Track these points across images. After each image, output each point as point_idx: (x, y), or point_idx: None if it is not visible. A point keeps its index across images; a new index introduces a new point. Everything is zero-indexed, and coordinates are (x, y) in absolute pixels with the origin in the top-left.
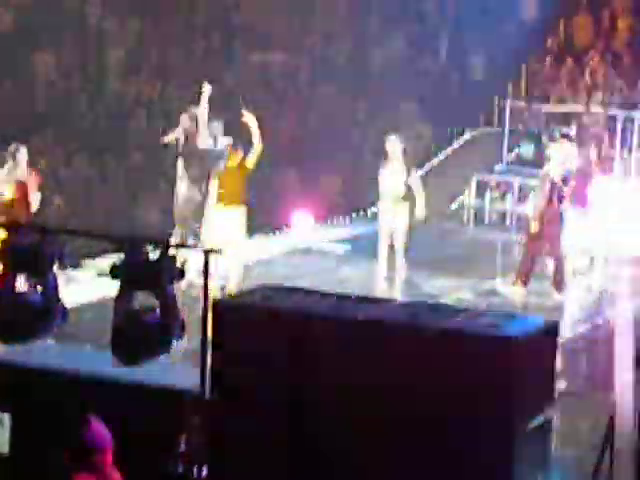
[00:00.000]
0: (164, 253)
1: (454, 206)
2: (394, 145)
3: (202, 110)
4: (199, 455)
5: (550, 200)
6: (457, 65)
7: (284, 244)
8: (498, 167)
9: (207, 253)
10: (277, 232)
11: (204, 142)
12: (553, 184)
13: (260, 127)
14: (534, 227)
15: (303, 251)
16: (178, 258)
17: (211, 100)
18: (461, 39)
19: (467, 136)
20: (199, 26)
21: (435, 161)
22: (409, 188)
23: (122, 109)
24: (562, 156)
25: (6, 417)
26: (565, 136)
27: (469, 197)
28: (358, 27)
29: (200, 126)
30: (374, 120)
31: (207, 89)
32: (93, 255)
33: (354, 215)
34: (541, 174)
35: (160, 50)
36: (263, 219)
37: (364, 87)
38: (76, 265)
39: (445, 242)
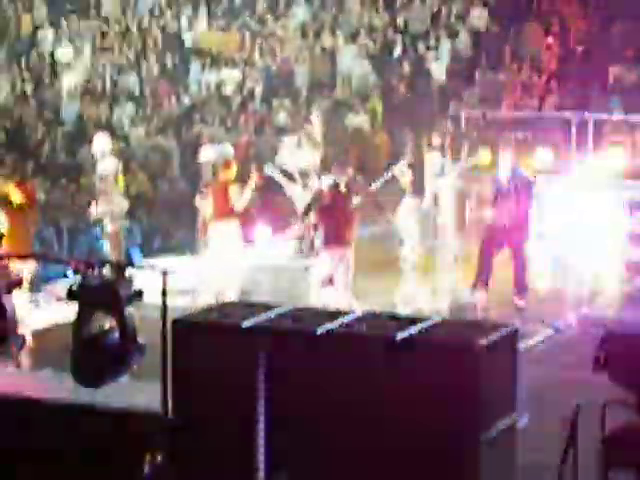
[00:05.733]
0: (120, 275)
1: None
2: None
3: None
4: (164, 476)
5: (499, 203)
6: (414, 74)
7: (245, 259)
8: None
9: (164, 273)
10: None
11: None
12: (500, 187)
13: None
14: (491, 231)
15: (264, 266)
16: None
17: (171, 118)
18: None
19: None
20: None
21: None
22: None
23: (79, 134)
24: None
25: None
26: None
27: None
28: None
29: None
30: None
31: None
32: (53, 278)
33: None
34: (491, 179)
35: (114, 74)
36: None
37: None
38: (36, 289)
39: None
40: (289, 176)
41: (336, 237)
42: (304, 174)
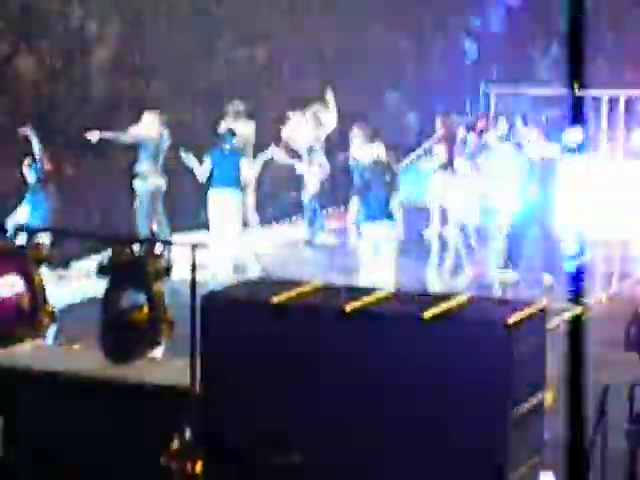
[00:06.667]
0: (150, 251)
1: None
2: None
3: None
4: (192, 451)
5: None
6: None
7: (282, 236)
8: None
9: (194, 248)
10: (275, 223)
11: None
12: (534, 167)
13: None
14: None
15: (299, 243)
16: (164, 255)
17: (198, 96)
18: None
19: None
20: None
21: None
22: None
23: (107, 109)
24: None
25: None
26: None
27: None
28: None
29: None
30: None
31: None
32: (81, 255)
33: None
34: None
35: (144, 49)
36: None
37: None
38: (64, 265)
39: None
40: (295, 154)
41: (380, 212)
42: (310, 150)
